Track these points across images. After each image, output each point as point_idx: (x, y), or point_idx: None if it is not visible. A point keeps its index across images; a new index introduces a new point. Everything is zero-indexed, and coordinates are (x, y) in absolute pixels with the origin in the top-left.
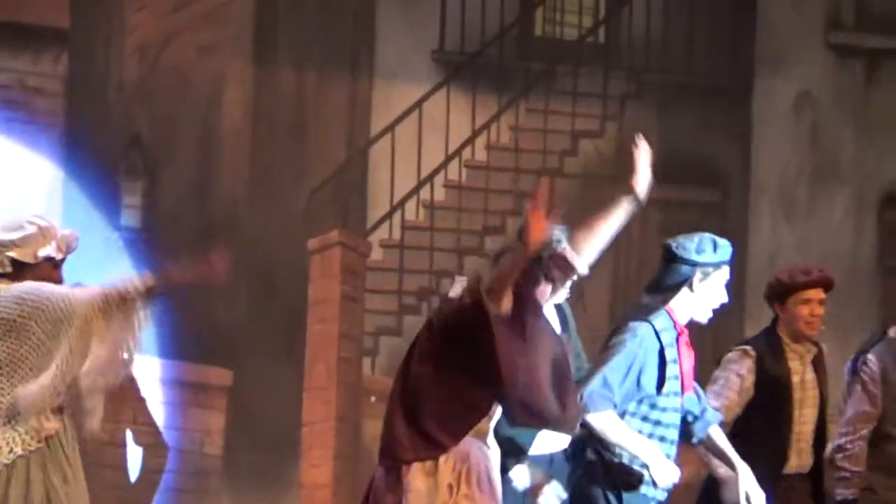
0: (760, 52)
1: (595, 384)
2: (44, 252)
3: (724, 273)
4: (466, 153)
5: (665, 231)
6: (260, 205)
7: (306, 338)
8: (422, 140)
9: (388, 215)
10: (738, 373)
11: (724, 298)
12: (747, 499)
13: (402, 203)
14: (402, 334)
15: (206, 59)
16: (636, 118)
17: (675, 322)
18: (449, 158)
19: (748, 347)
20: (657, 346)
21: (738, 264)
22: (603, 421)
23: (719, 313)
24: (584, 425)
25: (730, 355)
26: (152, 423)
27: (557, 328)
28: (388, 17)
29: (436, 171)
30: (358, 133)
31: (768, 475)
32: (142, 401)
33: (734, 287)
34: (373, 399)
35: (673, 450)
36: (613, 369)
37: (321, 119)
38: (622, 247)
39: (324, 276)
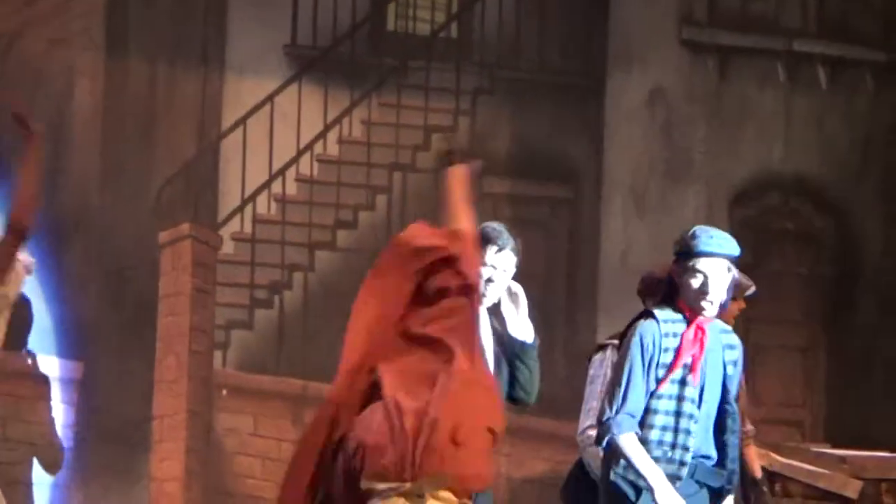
0: (613, 49)
1: (619, 407)
2: None
3: (707, 264)
4: (318, 147)
5: (515, 225)
6: (110, 198)
7: (157, 331)
8: (273, 134)
9: (240, 209)
10: (597, 366)
11: (707, 289)
12: None
13: (253, 197)
14: (254, 328)
15: (57, 52)
16: (489, 113)
17: (685, 314)
18: (300, 153)
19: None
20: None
21: (590, 261)
22: (627, 443)
23: (574, 311)
24: (611, 446)
25: (607, 353)
26: None
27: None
28: (239, 11)
29: (287, 166)
30: (209, 127)
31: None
32: None
33: (587, 281)
34: (224, 392)
35: (672, 436)
36: (633, 384)
37: (172, 113)
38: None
39: (174, 269)
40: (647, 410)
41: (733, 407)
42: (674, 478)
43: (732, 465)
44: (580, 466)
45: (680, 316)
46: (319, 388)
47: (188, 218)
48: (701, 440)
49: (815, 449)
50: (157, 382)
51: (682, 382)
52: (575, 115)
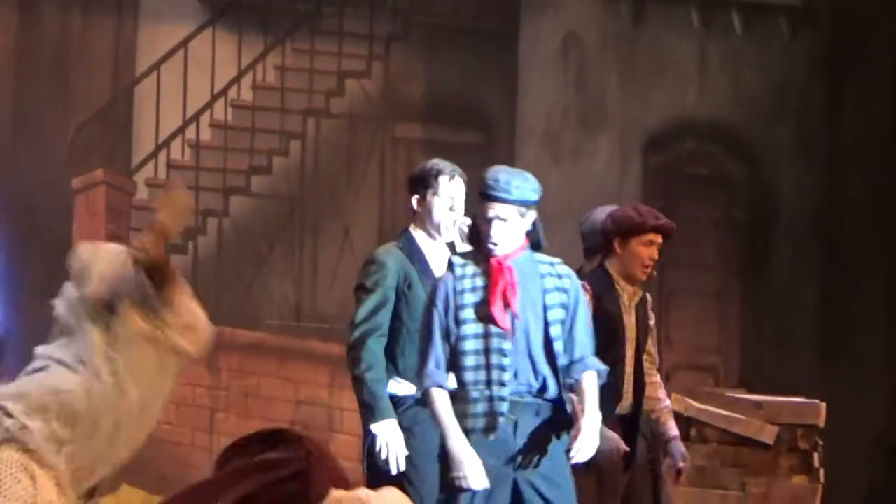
0: None
1: (426, 361)
2: None
3: (498, 208)
4: (232, 93)
5: None
6: (24, 144)
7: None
8: (187, 80)
9: (154, 155)
10: None
11: (491, 233)
12: (578, 441)
13: (167, 142)
14: None
15: None
16: (402, 59)
17: (486, 255)
18: (215, 98)
19: (584, 283)
20: (452, 282)
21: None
22: (432, 397)
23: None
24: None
25: None
26: None
27: None
28: None
29: (201, 111)
30: (123, 73)
31: (604, 414)
32: None
33: None
34: None
35: (485, 374)
36: (433, 343)
37: (86, 59)
38: (387, 189)
39: (88, 214)
40: (459, 353)
41: (563, 336)
42: (496, 414)
43: (560, 394)
44: None
45: (482, 255)
46: (233, 334)
47: (102, 164)
48: (530, 374)
49: (730, 394)
50: None
51: (487, 320)
52: (489, 61)
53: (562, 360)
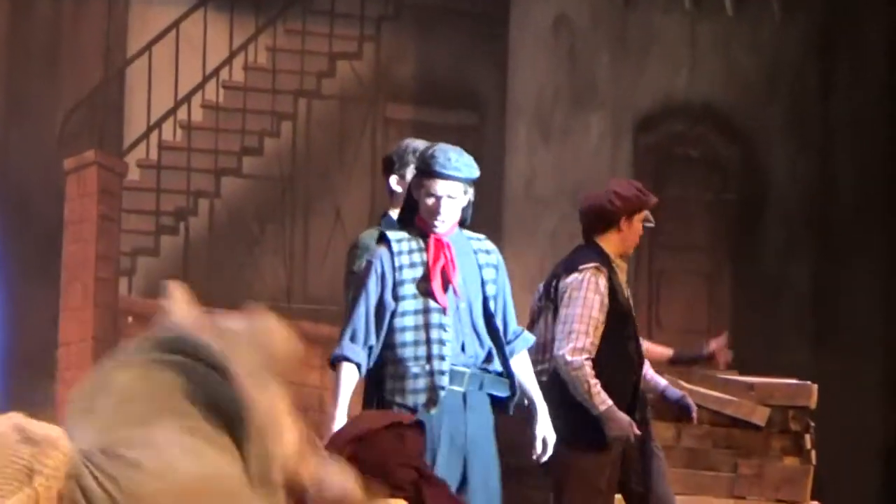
0: None
1: (348, 335)
2: None
3: (442, 185)
4: (224, 74)
5: None
6: (16, 126)
7: (62, 258)
8: (179, 61)
9: (145, 135)
10: (597, 290)
11: (439, 210)
12: (543, 442)
13: (159, 123)
14: (160, 254)
15: None
16: (393, 40)
17: (423, 231)
18: (206, 79)
19: (597, 264)
20: (390, 258)
21: (494, 187)
22: (339, 371)
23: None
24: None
25: (582, 275)
26: None
27: None
28: None
29: (193, 92)
30: (115, 54)
31: (627, 394)
32: None
33: (491, 208)
34: (130, 319)
35: (425, 348)
36: (356, 316)
37: (77, 41)
38: (379, 167)
39: (80, 195)
40: (397, 329)
41: (506, 311)
42: (437, 388)
43: (507, 369)
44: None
45: (417, 231)
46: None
47: (94, 145)
48: (476, 347)
49: (721, 376)
50: (62, 310)
51: (426, 295)
52: (480, 42)
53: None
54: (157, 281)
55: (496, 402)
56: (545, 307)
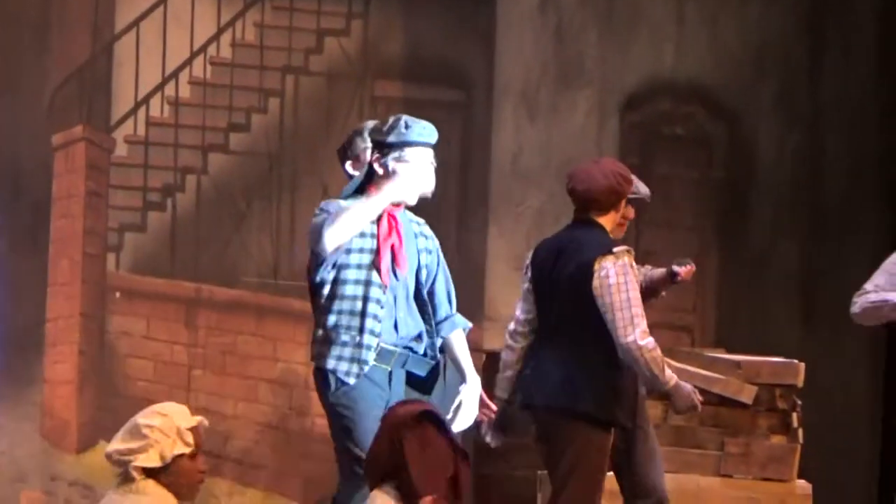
0: None
1: None
2: (173, 453)
3: (415, 153)
4: (211, 50)
5: None
6: (4, 101)
7: (50, 233)
8: (167, 37)
9: (133, 111)
10: (630, 272)
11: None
12: (455, 411)
13: (146, 99)
14: (147, 230)
15: None
16: (381, 17)
17: None
18: (194, 55)
19: (627, 246)
20: None
21: (481, 164)
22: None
23: (466, 215)
24: None
25: (619, 259)
26: None
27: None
28: None
29: (181, 68)
30: (103, 30)
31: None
32: None
33: (479, 186)
34: (117, 295)
35: (358, 320)
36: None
37: (65, 15)
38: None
39: (68, 171)
40: (336, 296)
41: (435, 295)
42: (362, 362)
43: (432, 351)
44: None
45: None
46: (212, 291)
47: (81, 120)
48: (410, 327)
49: (709, 354)
50: (50, 285)
51: (371, 268)
52: (467, 19)
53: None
54: (144, 257)
55: (419, 382)
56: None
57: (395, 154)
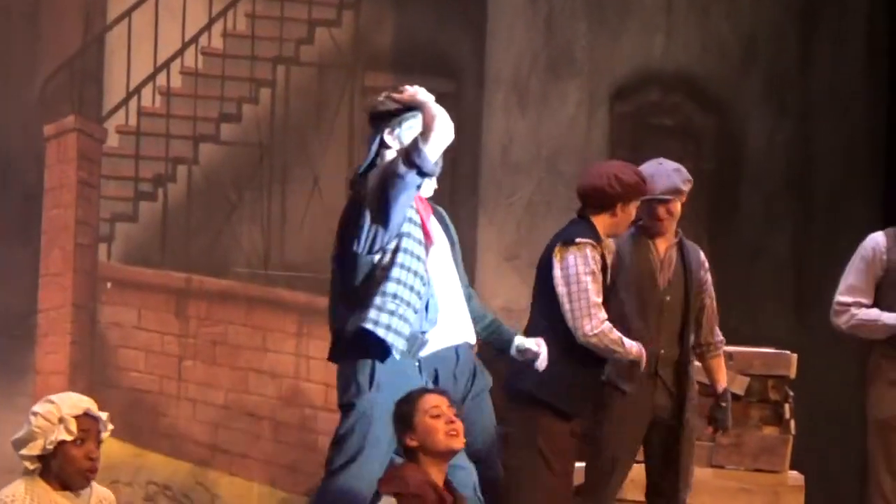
0: None
1: None
2: (54, 440)
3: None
4: (203, 41)
5: None
6: None
7: (42, 223)
8: (158, 27)
9: (125, 102)
10: (590, 263)
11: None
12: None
13: (138, 90)
14: (138, 220)
15: None
16: (372, 7)
17: None
18: (185, 45)
19: (590, 239)
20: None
21: (471, 154)
22: None
23: (456, 205)
24: None
25: (581, 250)
26: None
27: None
28: None
29: (172, 58)
30: (94, 20)
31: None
32: None
33: (469, 176)
34: (109, 286)
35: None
36: None
37: (57, 6)
38: (357, 135)
39: (60, 162)
40: (395, 266)
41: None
42: (412, 337)
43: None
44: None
45: None
46: (202, 282)
47: (73, 111)
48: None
49: None
50: (42, 276)
51: (422, 243)
52: (458, 9)
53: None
54: (135, 247)
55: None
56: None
57: (410, 115)
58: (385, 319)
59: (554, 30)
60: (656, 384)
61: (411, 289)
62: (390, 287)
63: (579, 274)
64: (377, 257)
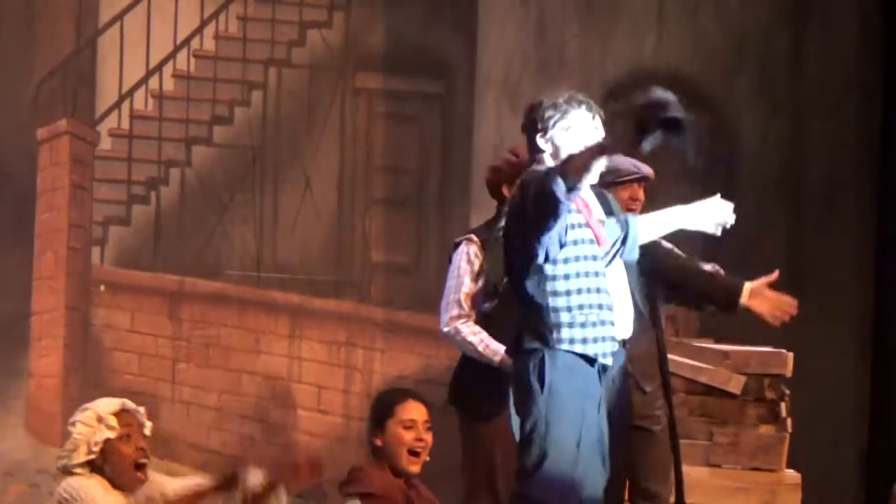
0: None
1: None
2: (99, 439)
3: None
4: (195, 43)
5: (389, 121)
6: None
7: (34, 227)
8: (150, 30)
9: (117, 105)
10: (466, 259)
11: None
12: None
13: (130, 93)
14: (131, 224)
15: None
16: (363, 9)
17: None
18: (177, 48)
19: (473, 235)
20: None
21: (462, 155)
22: None
23: (448, 204)
24: None
25: (466, 246)
26: None
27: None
28: None
29: (164, 61)
30: (86, 23)
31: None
32: None
33: (461, 177)
34: (102, 288)
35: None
36: None
37: (50, 10)
38: (348, 136)
39: (52, 165)
40: (571, 276)
41: None
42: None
43: None
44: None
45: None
46: (195, 284)
47: (66, 114)
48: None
49: (696, 344)
50: (35, 279)
51: (592, 243)
52: (448, 11)
53: None
54: (128, 250)
55: None
56: None
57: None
58: (579, 335)
59: (545, 31)
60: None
61: (597, 291)
62: (574, 300)
63: (456, 269)
64: (550, 268)
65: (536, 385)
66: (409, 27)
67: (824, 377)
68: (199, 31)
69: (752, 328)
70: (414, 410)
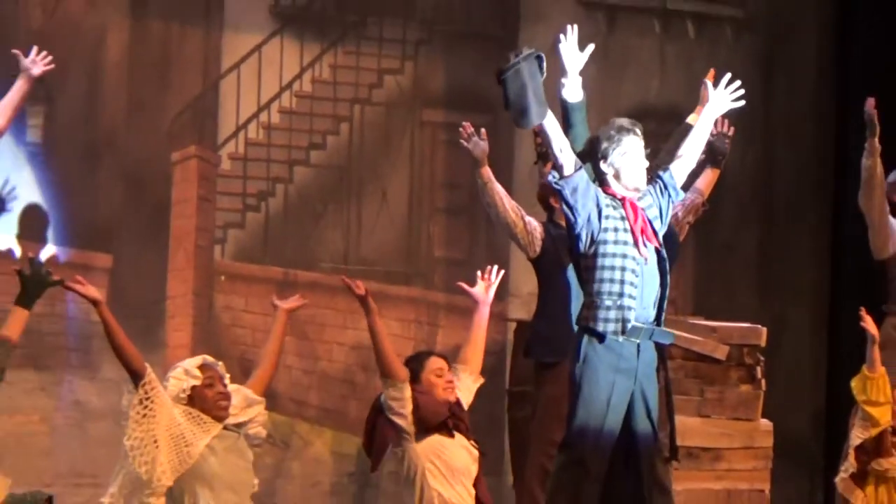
0: (523, 6)
1: None
2: (187, 386)
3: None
4: (296, 86)
5: (449, 147)
6: (134, 126)
7: (170, 230)
8: (261, 76)
9: (235, 134)
10: None
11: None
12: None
13: (245, 125)
14: (245, 227)
15: (93, 11)
16: (428, 59)
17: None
18: (282, 90)
19: None
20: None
21: (506, 175)
22: None
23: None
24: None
25: None
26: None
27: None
28: None
29: (272, 100)
30: (211, 71)
31: None
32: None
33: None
34: (222, 278)
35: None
36: None
37: (182, 60)
38: (416, 161)
39: (183, 181)
40: (597, 268)
41: None
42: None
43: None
44: None
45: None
46: (296, 274)
47: (194, 141)
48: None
49: (690, 321)
50: (170, 271)
51: (626, 242)
52: (494, 58)
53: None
54: (243, 248)
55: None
56: None
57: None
58: (614, 315)
59: None
60: None
61: (631, 283)
62: (606, 286)
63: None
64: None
65: (576, 355)
66: (463, 73)
67: (790, 348)
68: (299, 76)
69: (735, 309)
70: (440, 362)
